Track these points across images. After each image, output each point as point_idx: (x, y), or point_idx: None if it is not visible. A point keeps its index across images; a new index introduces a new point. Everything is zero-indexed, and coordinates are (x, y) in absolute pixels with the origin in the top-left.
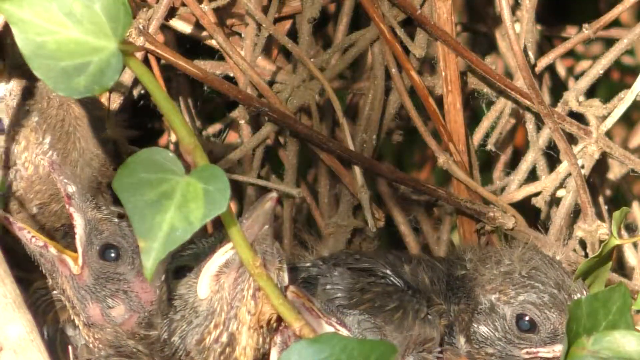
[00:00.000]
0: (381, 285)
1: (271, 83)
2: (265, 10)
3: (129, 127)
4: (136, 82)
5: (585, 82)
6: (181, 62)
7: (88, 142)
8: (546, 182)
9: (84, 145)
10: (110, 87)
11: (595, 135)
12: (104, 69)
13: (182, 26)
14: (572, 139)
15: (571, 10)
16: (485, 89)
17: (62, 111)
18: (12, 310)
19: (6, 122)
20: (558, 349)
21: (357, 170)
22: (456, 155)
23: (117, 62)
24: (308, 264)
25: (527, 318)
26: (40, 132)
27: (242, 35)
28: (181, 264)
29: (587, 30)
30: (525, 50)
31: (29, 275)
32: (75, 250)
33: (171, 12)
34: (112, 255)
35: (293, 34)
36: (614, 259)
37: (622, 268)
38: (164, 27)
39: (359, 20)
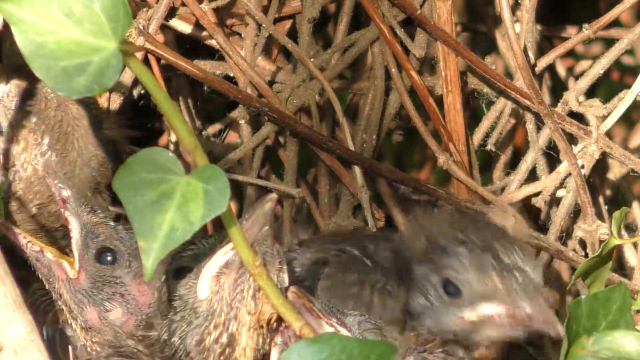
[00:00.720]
0: (342, 260)
1: (271, 83)
2: (265, 10)
3: (128, 127)
4: (136, 82)
5: (585, 82)
6: (181, 62)
7: (87, 142)
8: (546, 182)
9: (82, 146)
10: (110, 87)
11: (595, 135)
12: (104, 69)
13: (182, 26)
14: (572, 139)
15: (571, 10)
16: (485, 89)
17: (60, 112)
18: (12, 310)
19: (4, 123)
20: (483, 310)
21: (357, 170)
22: (456, 155)
23: (117, 62)
24: (285, 250)
25: (450, 282)
26: (39, 133)
27: (242, 35)
28: (181, 265)
29: (587, 30)
30: (525, 50)
31: (28, 276)
32: (71, 255)
33: (171, 12)
34: (109, 258)
35: (293, 34)
36: (614, 259)
37: (622, 268)
38: (164, 27)
39: (359, 20)
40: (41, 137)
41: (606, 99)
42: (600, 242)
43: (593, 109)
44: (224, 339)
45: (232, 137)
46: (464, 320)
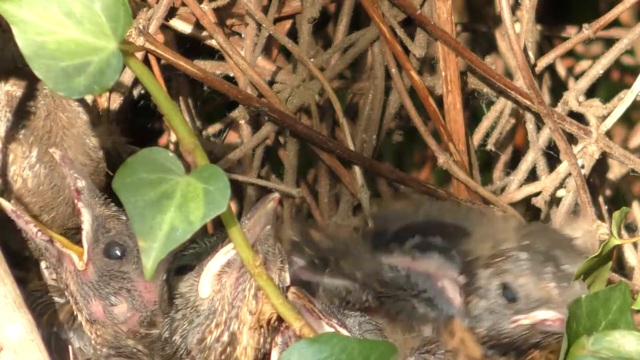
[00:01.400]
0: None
1: (271, 83)
2: (265, 10)
3: (126, 129)
4: (136, 82)
5: (585, 82)
6: (181, 62)
7: (76, 153)
8: (546, 182)
9: (72, 156)
10: (110, 87)
11: (595, 135)
12: (104, 69)
13: (182, 26)
14: (572, 139)
15: (571, 10)
16: (485, 89)
17: (49, 122)
18: (12, 310)
19: None
20: (537, 315)
21: (357, 170)
22: (456, 155)
23: (117, 62)
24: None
25: (508, 287)
26: (27, 146)
27: (242, 35)
28: (183, 264)
29: (587, 30)
30: (525, 50)
31: (27, 275)
32: (80, 246)
33: (171, 12)
34: (117, 253)
35: (293, 34)
36: (614, 259)
37: (622, 268)
38: (164, 27)
39: (359, 20)
40: (29, 150)
41: (606, 99)
42: (600, 242)
43: (593, 109)
44: (225, 337)
45: (232, 137)
46: (520, 324)
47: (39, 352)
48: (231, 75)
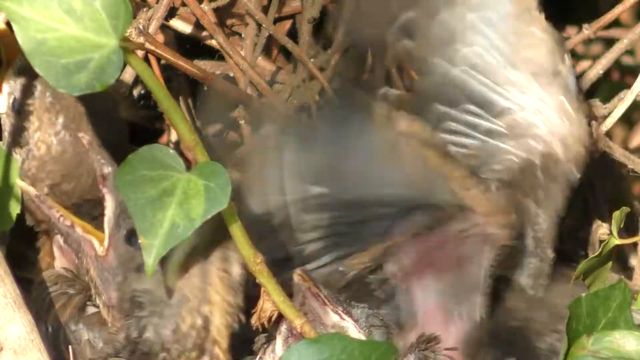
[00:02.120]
0: None
1: (271, 83)
2: (265, 10)
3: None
4: (136, 81)
5: (585, 82)
6: (181, 62)
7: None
8: None
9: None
10: (111, 84)
11: (595, 135)
12: (104, 66)
13: (182, 26)
14: None
15: (571, 10)
16: None
17: None
18: (12, 310)
19: (18, 101)
20: None
21: None
22: None
23: (118, 59)
24: None
25: None
26: (54, 112)
27: (242, 35)
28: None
29: (587, 30)
30: None
31: (28, 275)
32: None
33: (171, 12)
34: (138, 241)
35: (293, 34)
36: (614, 259)
37: (622, 268)
38: (164, 27)
39: None
40: (56, 117)
41: (606, 99)
42: (600, 242)
43: (593, 109)
44: (198, 322)
45: (231, 137)
46: None
47: (39, 352)
48: (231, 75)
